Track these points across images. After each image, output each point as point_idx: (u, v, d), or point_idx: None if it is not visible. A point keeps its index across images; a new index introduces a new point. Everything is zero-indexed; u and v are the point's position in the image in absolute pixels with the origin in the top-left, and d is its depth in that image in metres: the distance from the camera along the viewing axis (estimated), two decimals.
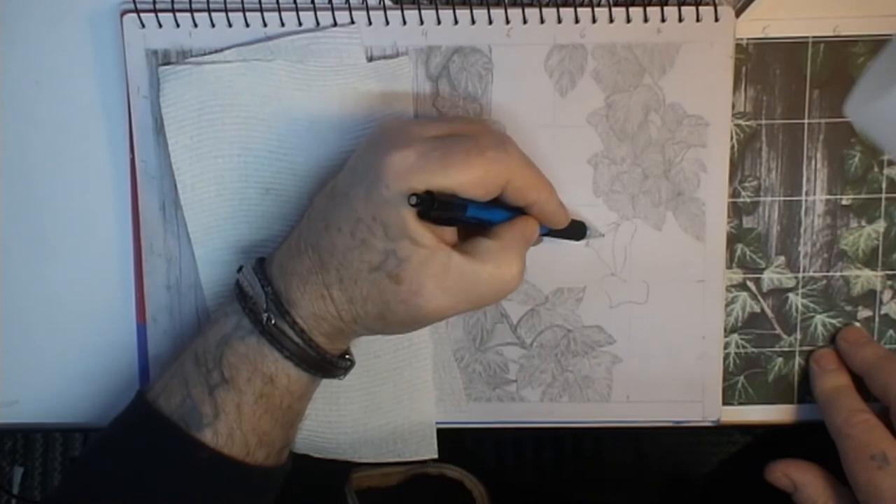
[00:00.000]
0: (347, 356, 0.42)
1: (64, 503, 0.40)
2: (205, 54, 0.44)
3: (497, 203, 0.39)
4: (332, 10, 0.44)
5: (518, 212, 0.41)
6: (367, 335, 0.42)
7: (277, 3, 0.44)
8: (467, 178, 0.37)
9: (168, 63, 0.44)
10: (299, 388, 0.41)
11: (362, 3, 0.45)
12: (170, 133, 0.44)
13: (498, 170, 0.37)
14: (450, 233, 0.39)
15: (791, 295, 0.47)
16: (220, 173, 0.45)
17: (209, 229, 0.45)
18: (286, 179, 0.45)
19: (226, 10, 0.44)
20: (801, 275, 0.47)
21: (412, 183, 0.36)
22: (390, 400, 0.46)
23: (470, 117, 0.44)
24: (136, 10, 0.44)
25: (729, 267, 0.47)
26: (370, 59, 0.45)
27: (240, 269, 0.41)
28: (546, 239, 0.45)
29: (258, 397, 0.39)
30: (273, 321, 0.39)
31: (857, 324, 0.47)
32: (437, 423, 0.47)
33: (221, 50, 0.44)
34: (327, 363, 0.41)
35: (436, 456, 0.47)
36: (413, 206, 0.36)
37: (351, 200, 0.38)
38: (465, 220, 0.38)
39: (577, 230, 0.45)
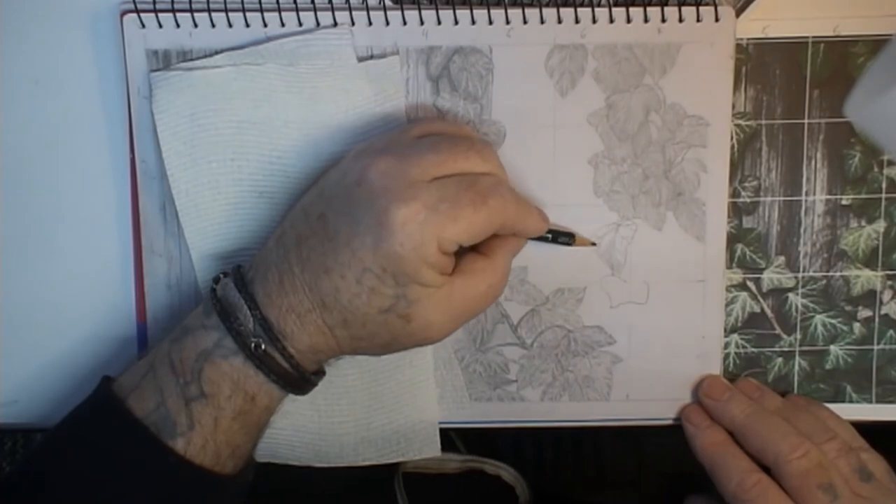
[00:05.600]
0: (323, 371, 0.43)
1: (19, 494, 0.39)
2: (205, 55, 0.44)
3: None
4: (332, 10, 0.44)
5: None
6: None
7: (278, 3, 0.44)
8: (473, 229, 0.38)
9: (168, 63, 0.44)
10: (275, 406, 0.41)
11: (362, 3, 0.45)
12: (163, 139, 0.44)
13: (498, 219, 0.39)
14: (450, 262, 0.40)
15: (791, 295, 0.47)
16: (213, 178, 0.44)
17: (206, 234, 0.45)
18: (279, 182, 0.45)
19: (226, 11, 0.44)
20: (801, 275, 0.47)
21: (424, 238, 0.37)
22: (392, 398, 0.46)
23: (457, 132, 0.43)
24: (137, 10, 0.44)
25: (729, 267, 0.47)
26: (361, 60, 0.45)
27: (217, 281, 0.41)
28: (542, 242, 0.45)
29: (237, 414, 0.39)
30: (263, 347, 0.39)
31: (858, 324, 0.47)
32: (440, 423, 0.47)
33: (221, 51, 0.44)
34: (309, 383, 0.41)
35: (439, 454, 0.47)
36: None
37: (355, 250, 0.38)
38: None
39: (563, 237, 0.45)
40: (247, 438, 0.41)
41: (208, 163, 0.44)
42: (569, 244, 0.45)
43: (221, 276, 0.41)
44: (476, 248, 0.41)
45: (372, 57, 0.45)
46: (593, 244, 0.46)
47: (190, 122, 0.44)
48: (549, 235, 0.45)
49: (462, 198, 0.38)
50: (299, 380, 0.40)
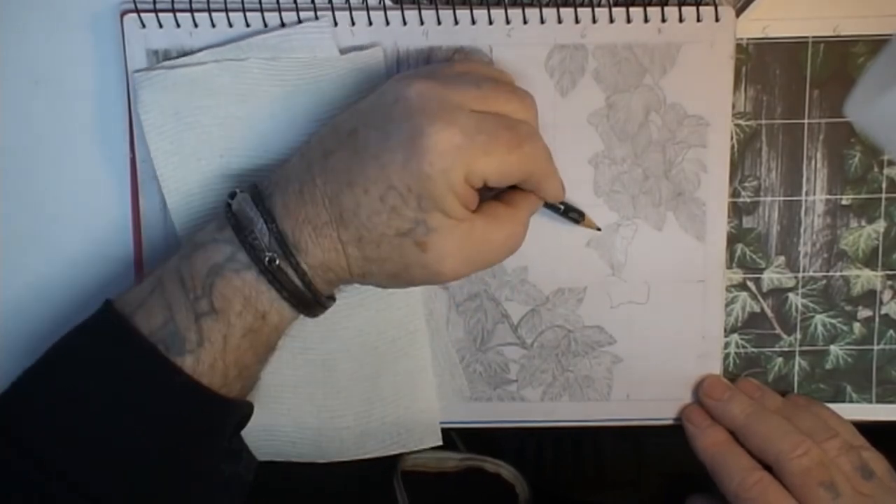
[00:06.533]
0: (333, 297, 0.42)
1: (9, 413, 0.37)
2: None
3: None
4: (333, 10, 0.44)
5: None
6: (367, 285, 0.42)
7: (278, 3, 0.44)
8: (503, 168, 0.38)
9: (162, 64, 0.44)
10: (285, 326, 0.40)
11: (363, 3, 0.45)
12: (150, 139, 0.44)
13: (528, 166, 0.39)
14: (474, 199, 0.39)
15: (791, 295, 0.47)
16: (203, 175, 0.44)
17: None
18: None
19: (226, 10, 0.44)
20: (801, 275, 0.47)
21: (455, 163, 0.37)
22: (391, 390, 0.46)
23: (499, 77, 0.42)
24: (137, 10, 0.44)
25: (729, 267, 0.47)
26: (343, 52, 0.44)
27: (233, 196, 0.40)
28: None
29: (247, 332, 0.39)
30: (276, 262, 0.38)
31: (858, 324, 0.47)
32: (441, 422, 0.47)
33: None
34: (319, 306, 0.40)
35: (440, 443, 0.47)
36: None
37: (384, 165, 0.37)
38: None
39: (573, 213, 0.45)
40: (255, 359, 0.40)
41: (197, 160, 0.44)
42: (577, 221, 0.45)
43: (238, 191, 0.40)
44: (499, 199, 0.41)
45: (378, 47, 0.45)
46: (598, 229, 0.46)
47: (176, 121, 0.44)
48: (562, 207, 0.45)
49: (500, 135, 0.38)
50: (311, 300, 0.39)
